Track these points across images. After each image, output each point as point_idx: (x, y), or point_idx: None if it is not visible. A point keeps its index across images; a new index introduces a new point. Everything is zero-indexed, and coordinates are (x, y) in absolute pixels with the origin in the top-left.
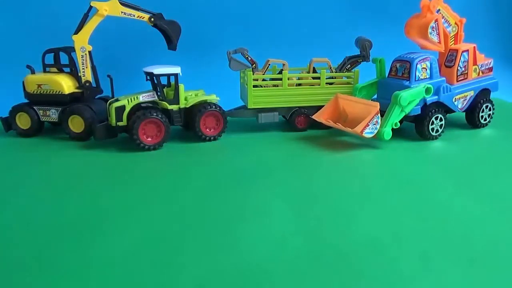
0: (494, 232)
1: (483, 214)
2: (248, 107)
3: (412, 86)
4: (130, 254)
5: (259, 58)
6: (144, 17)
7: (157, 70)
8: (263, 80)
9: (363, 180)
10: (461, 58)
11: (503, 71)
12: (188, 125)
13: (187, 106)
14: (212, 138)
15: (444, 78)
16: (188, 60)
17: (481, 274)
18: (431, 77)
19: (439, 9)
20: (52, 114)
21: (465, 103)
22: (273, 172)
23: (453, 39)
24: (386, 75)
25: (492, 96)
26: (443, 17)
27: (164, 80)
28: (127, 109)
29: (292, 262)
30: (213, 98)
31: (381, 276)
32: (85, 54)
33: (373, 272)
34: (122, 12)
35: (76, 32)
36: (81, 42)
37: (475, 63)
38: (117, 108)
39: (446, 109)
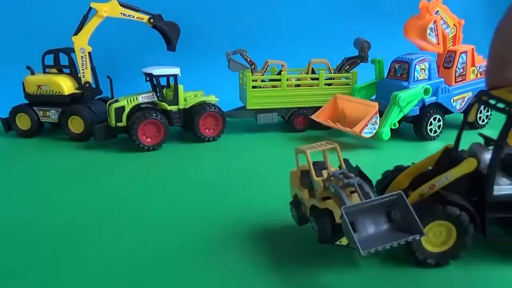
0: None
1: None
2: (247, 107)
3: (410, 86)
4: (128, 253)
5: (258, 59)
6: (143, 18)
7: (157, 71)
8: (262, 81)
9: None
10: (460, 59)
11: None
12: (187, 125)
13: (186, 107)
14: (211, 138)
15: (442, 79)
16: (187, 61)
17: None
18: (429, 78)
19: (438, 11)
20: (52, 115)
21: (463, 104)
22: (272, 172)
23: (451, 40)
24: (385, 75)
25: None
26: (441, 18)
27: (163, 81)
28: (127, 110)
29: (293, 259)
30: (212, 98)
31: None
32: (85, 55)
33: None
34: (121, 13)
35: (76, 33)
36: (81, 43)
37: (473, 65)
38: (116, 109)
39: (444, 110)
